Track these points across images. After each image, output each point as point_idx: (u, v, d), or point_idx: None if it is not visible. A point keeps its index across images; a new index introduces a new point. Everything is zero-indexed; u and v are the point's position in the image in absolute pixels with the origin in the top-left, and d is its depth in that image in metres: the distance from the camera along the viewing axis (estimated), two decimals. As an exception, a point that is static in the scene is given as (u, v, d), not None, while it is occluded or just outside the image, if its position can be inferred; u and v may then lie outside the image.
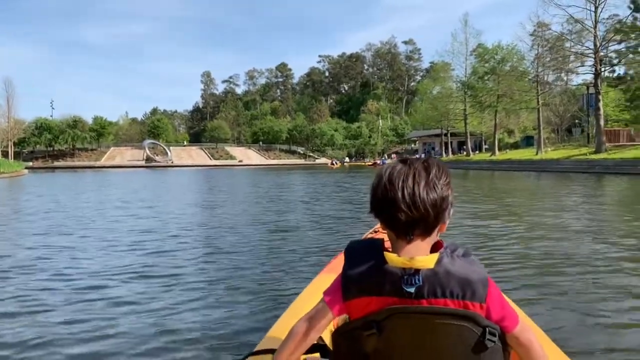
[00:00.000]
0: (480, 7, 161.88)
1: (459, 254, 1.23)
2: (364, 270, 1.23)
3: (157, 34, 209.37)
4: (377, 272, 1.22)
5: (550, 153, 38.07)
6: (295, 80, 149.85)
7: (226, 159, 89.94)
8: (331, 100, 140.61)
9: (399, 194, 1.20)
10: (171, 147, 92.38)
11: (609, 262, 5.28)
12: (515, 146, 55.48)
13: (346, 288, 1.25)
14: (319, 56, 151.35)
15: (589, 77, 45.27)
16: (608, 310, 3.67)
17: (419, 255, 1.19)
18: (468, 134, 54.33)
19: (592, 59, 34.02)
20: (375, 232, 3.25)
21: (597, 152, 32.15)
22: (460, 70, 53.89)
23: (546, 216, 9.41)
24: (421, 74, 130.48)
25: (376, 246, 1.27)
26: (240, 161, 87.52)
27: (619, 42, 35.53)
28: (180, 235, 7.72)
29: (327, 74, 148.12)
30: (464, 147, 64.69)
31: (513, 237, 6.97)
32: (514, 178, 28.30)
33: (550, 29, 39.13)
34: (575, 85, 49.69)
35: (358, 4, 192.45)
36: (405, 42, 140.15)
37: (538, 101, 41.34)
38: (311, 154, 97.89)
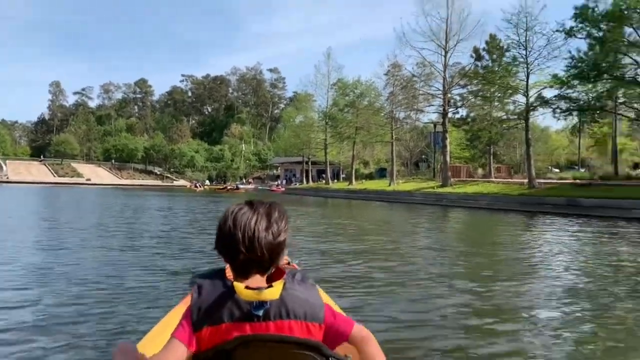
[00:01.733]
0: (343, 43, 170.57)
1: (299, 279, 1.36)
2: (213, 300, 1.29)
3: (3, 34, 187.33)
4: (226, 301, 1.28)
5: (401, 185, 40.37)
6: (155, 98, 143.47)
7: (72, 177, 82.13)
8: (193, 121, 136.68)
9: (240, 236, 1.31)
10: (7, 161, 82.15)
11: (439, 278, 6.46)
12: (370, 177, 58.40)
13: (196, 319, 1.29)
14: (182, 75, 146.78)
15: (436, 116, 49.58)
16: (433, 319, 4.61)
17: (257, 285, 1.31)
18: (328, 163, 55.97)
19: (441, 100, 36.93)
20: None
21: (443, 186, 34.68)
22: (322, 101, 55.67)
23: (396, 242, 9.57)
24: (285, 102, 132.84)
25: (222, 276, 1.34)
26: (88, 179, 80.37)
27: (463, 87, 39.32)
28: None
29: (190, 94, 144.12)
30: (323, 175, 66.57)
31: (360, 258, 7.79)
32: (370, 207, 29.34)
33: (406, 69, 41.95)
34: (425, 123, 53.85)
35: (226, 27, 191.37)
36: (271, 70, 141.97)
37: (392, 136, 43.92)
38: (169, 175, 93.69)
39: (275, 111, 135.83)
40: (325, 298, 2.40)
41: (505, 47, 35.65)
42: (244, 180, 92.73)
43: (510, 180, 36.02)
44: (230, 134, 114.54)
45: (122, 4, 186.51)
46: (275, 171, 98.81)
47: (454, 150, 48.26)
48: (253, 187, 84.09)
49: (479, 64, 42.69)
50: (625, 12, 21.80)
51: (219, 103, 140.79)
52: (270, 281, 1.36)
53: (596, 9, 22.59)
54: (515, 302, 5.55)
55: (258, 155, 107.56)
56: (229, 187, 62.81)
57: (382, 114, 46.76)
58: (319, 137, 56.73)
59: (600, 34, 22.62)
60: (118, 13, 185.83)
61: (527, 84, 29.55)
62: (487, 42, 43.58)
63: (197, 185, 71.57)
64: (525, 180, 30.33)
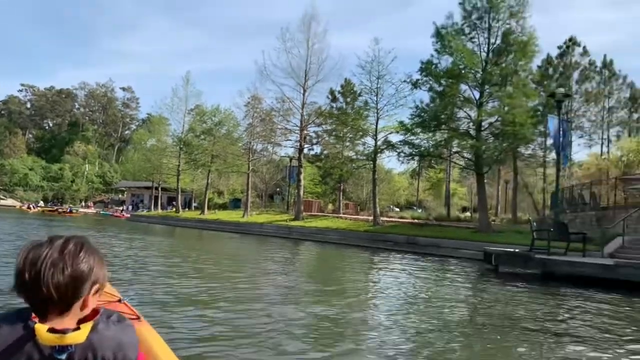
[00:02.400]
0: (203, 70, 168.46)
1: (114, 320, 1.29)
2: (10, 343, 1.20)
3: None
4: (25, 344, 1.20)
5: (255, 217, 40.26)
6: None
7: None
8: (30, 135, 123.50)
9: (26, 275, 1.21)
10: None
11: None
12: (224, 207, 57.39)
13: None
14: (21, 85, 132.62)
15: (292, 151, 50.80)
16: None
17: (68, 326, 1.22)
18: (179, 191, 53.94)
19: (298, 135, 37.91)
20: None
21: (296, 219, 35.28)
22: (177, 125, 53.90)
23: (239, 274, 9.41)
24: (137, 123, 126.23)
25: (25, 317, 1.24)
26: None
27: (318, 125, 40.96)
28: None
29: (28, 105, 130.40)
30: (174, 202, 63.96)
31: (201, 295, 7.52)
32: (220, 238, 28.70)
33: (266, 102, 42.45)
34: (281, 157, 54.73)
35: (76, 39, 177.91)
36: (124, 89, 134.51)
37: (249, 167, 43.88)
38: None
39: (126, 132, 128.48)
40: (152, 338, 2.32)
41: (358, 91, 38.06)
42: (84, 204, 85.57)
43: (357, 216, 37.92)
44: (73, 152, 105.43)
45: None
46: (121, 195, 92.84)
47: (308, 185, 49.64)
48: (94, 211, 77.84)
49: (334, 105, 45.02)
50: (463, 71, 24.61)
51: (62, 118, 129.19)
52: (83, 321, 1.27)
53: (439, 64, 25.22)
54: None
55: (103, 177, 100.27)
56: (60, 210, 57.22)
57: (240, 144, 46.64)
58: (171, 162, 54.62)
59: (441, 88, 25.21)
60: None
61: (376, 128, 31.70)
62: (342, 86, 46.30)
63: (32, 206, 64.26)
64: (371, 218, 32.10)
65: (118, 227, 32.74)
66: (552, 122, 20.85)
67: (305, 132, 38.33)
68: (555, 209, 20.38)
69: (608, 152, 48.09)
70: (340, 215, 39.08)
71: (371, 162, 33.15)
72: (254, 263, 14.84)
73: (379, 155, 32.48)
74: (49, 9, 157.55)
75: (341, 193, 46.68)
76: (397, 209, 57.06)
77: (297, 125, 38.03)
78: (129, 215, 61.72)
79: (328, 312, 7.07)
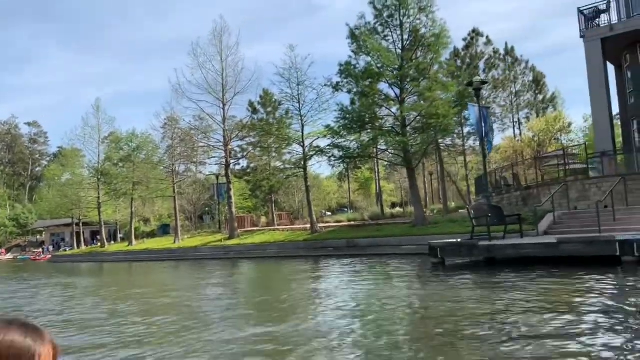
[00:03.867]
0: (114, 95, 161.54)
1: None
2: None
3: None
4: None
5: (187, 241, 38.64)
6: None
7: None
8: None
9: None
10: None
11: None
12: (152, 235, 54.85)
13: None
14: None
15: (217, 168, 49.45)
16: None
17: None
18: (102, 223, 50.86)
19: (222, 152, 36.83)
20: None
21: (230, 238, 34.15)
22: (92, 156, 50.84)
23: (177, 305, 8.69)
24: (48, 158, 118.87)
25: None
26: None
27: (242, 139, 40.03)
28: None
29: None
30: (98, 237, 60.43)
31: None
32: (152, 269, 27.17)
33: (184, 120, 40.90)
34: (207, 175, 53.08)
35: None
36: (29, 124, 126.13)
37: (174, 190, 42.09)
38: None
39: (37, 169, 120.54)
40: None
41: (278, 101, 37.64)
42: (-4, 251, 79.20)
43: (294, 227, 37.33)
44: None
45: None
46: (39, 236, 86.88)
47: (237, 200, 48.43)
48: (11, 256, 72.18)
49: (254, 117, 44.29)
50: (381, 70, 24.79)
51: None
52: None
53: (357, 65, 25.28)
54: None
55: (17, 219, 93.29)
56: None
57: (162, 168, 44.75)
58: (90, 195, 51.42)
59: (361, 89, 25.23)
60: None
61: (302, 135, 31.36)
62: (261, 97, 45.66)
63: None
64: (308, 226, 31.67)
65: (39, 272, 30.22)
66: (473, 110, 21.37)
67: (230, 147, 37.33)
68: (485, 194, 20.80)
69: (520, 134, 50.73)
70: (276, 227, 38.36)
71: (301, 170, 32.75)
72: (189, 291, 13.93)
73: (308, 161, 32.14)
74: None
75: (273, 204, 45.97)
76: (329, 213, 57.17)
77: (220, 141, 36.97)
78: (50, 256, 57.61)
79: (271, 331, 6.55)
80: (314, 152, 30.79)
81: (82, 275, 25.29)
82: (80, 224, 60.21)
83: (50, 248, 72.45)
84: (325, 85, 28.18)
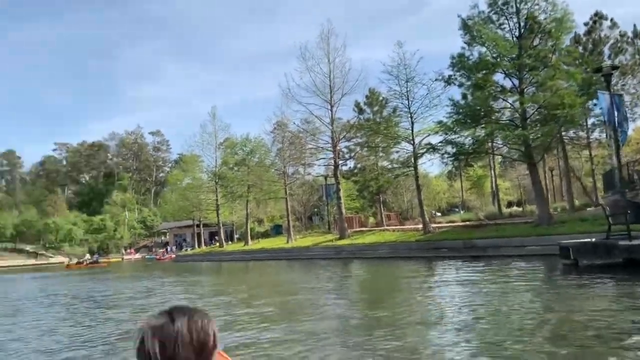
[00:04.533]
0: (227, 105, 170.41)
1: None
2: None
3: None
4: None
5: (299, 241, 39.46)
6: (25, 170, 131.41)
7: None
8: (69, 192, 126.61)
9: (157, 350, 1.21)
10: None
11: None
12: (266, 235, 56.81)
13: None
14: (55, 144, 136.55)
15: (324, 169, 50.00)
16: None
17: None
18: (220, 224, 53.64)
19: (330, 153, 37.15)
20: None
21: (341, 238, 34.30)
22: (210, 160, 53.91)
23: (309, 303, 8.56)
24: (170, 164, 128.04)
25: None
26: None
27: (349, 140, 40.03)
28: None
29: (64, 162, 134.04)
30: (216, 237, 63.83)
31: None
32: (270, 267, 27.98)
33: (294, 123, 41.87)
34: (315, 176, 53.89)
35: (101, 94, 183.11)
36: (153, 133, 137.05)
37: (286, 191, 43.19)
38: (44, 252, 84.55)
39: (160, 175, 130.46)
40: None
41: (385, 99, 37.13)
42: (124, 251, 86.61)
43: (404, 227, 36.64)
44: (112, 202, 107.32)
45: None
46: (163, 237, 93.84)
47: (345, 201, 48.75)
48: (140, 256, 78.65)
49: (361, 117, 44.13)
50: (497, 60, 23.47)
51: (97, 170, 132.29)
52: None
53: (471, 56, 24.15)
54: None
55: (144, 222, 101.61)
56: (87, 262, 56.03)
57: (273, 170, 46.14)
58: (209, 197, 54.45)
59: (475, 81, 24.01)
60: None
61: (412, 132, 30.60)
62: (367, 96, 45.41)
63: (83, 261, 62.96)
64: (419, 226, 30.86)
65: (168, 271, 32.43)
66: (603, 99, 19.45)
67: (338, 147, 37.54)
68: (620, 189, 18.81)
69: (653, 124, 45.71)
70: (385, 227, 37.89)
71: (411, 168, 32.02)
72: (309, 293, 13.97)
73: (419, 159, 31.33)
74: (71, 67, 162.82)
75: (381, 205, 45.49)
76: (439, 214, 55.40)
77: (328, 143, 37.32)
78: (174, 256, 61.83)
79: (400, 343, 6.13)
80: (425, 149, 29.92)
81: (204, 274, 26.59)
82: (201, 225, 64.03)
83: (174, 248, 77.90)
84: (436, 79, 27.27)
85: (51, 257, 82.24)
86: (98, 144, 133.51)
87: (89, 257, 71.02)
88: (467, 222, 31.50)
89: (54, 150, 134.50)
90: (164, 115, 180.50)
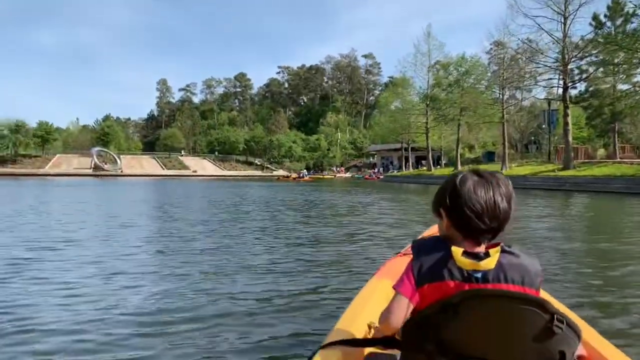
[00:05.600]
0: (439, 24, 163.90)
1: (516, 249, 1.38)
2: (434, 260, 1.37)
3: (110, 41, 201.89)
4: (446, 261, 1.36)
5: (515, 169, 36.96)
6: (254, 91, 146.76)
7: (179, 169, 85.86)
8: (290, 112, 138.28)
9: (483, 205, 1.35)
10: (122, 156, 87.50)
11: None
12: (477, 161, 54.64)
13: (418, 276, 1.38)
14: (279, 67, 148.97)
15: (544, 94, 45.03)
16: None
17: (479, 250, 1.38)
18: (430, 148, 52.99)
19: (559, 72, 33.14)
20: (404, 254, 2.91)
21: (564, 168, 31.10)
22: (422, 82, 52.71)
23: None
24: (380, 88, 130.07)
25: (441, 241, 1.42)
26: (194, 171, 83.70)
27: (581, 59, 34.81)
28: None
29: (286, 85, 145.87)
30: (423, 161, 63.68)
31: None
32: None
33: (517, 40, 38.01)
34: (540, 99, 49.13)
35: (318, 19, 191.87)
36: (365, 56, 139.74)
37: (503, 115, 40.26)
38: (269, 166, 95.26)
39: (370, 98, 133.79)
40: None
41: (632, 10, 31.24)
42: (336, 169, 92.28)
43: (643, 160, 31.56)
44: (326, 123, 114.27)
45: (213, 4, 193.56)
46: (371, 159, 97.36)
47: (572, 129, 43.75)
48: (349, 175, 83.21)
49: (599, 32, 38.01)
50: None
51: (314, 93, 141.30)
52: (490, 247, 1.39)
53: None
54: None
55: (354, 143, 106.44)
56: (294, 177, 62.41)
57: (491, 91, 43.10)
58: (419, 120, 53.83)
59: None
60: (209, 13, 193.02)
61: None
62: (608, 6, 38.68)
63: (301, 175, 68.94)
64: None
65: (376, 188, 33.50)
66: None
67: (569, 67, 33.16)
68: None
69: None
70: (622, 160, 33.12)
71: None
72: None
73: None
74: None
75: (616, 135, 39.69)
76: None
77: (557, 61, 33.17)
78: (381, 176, 63.84)
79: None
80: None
81: (418, 194, 26.70)
82: (409, 149, 64.43)
83: (381, 169, 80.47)
84: None
85: (274, 170, 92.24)
86: (315, 68, 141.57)
87: (306, 173, 77.36)
88: None
89: (277, 73, 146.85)
90: (376, 38, 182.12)
